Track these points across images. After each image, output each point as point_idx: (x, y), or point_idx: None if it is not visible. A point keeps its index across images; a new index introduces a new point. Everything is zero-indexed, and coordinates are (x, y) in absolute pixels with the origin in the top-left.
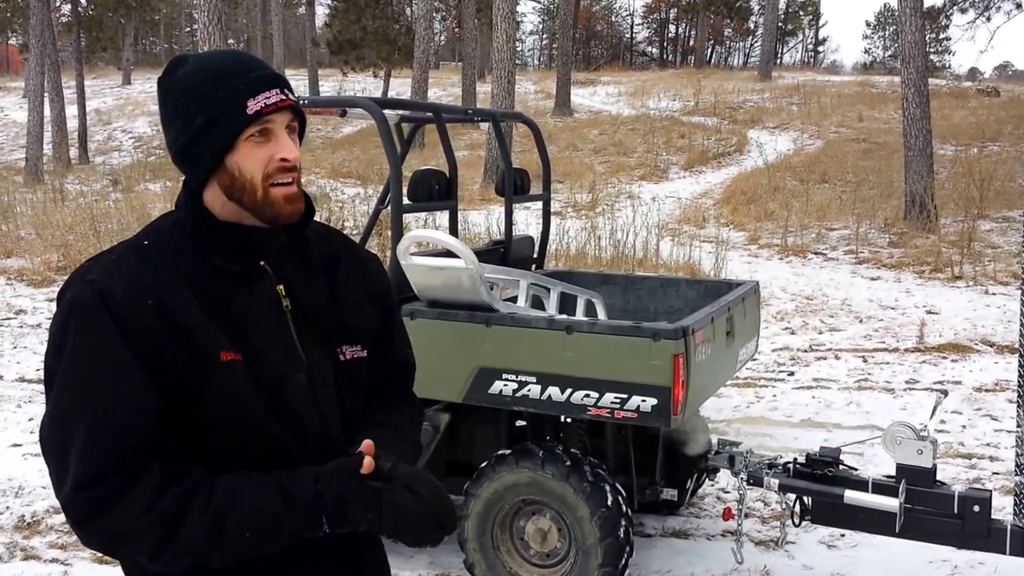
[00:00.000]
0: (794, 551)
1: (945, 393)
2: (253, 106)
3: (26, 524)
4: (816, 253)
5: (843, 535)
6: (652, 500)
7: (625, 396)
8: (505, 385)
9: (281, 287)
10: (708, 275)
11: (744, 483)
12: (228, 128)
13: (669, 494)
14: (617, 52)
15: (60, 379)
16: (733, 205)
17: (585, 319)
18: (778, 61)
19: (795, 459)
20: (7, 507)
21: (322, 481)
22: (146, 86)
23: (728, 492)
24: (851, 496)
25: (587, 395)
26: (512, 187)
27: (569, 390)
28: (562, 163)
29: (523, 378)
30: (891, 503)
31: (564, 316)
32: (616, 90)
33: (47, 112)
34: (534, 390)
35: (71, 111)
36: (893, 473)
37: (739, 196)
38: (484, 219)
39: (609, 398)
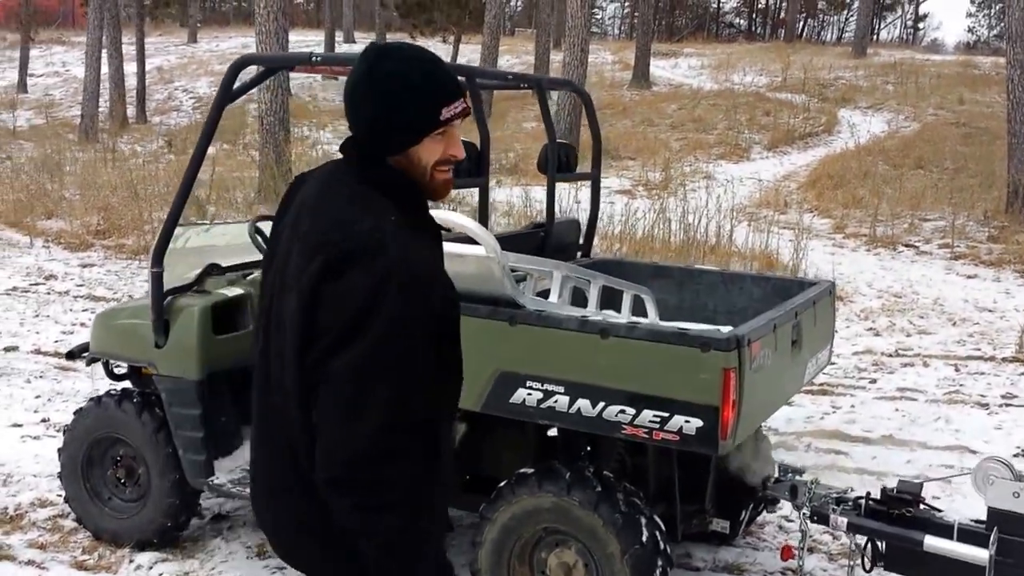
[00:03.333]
0: None
1: None
2: (446, 114)
3: (8, 518)
4: (907, 245)
5: None
6: (700, 531)
7: (666, 415)
8: (529, 394)
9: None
10: (786, 265)
11: (807, 519)
12: (426, 127)
13: (720, 525)
14: (703, 23)
15: (386, 334)
16: (819, 190)
17: (622, 322)
18: (874, 37)
19: (868, 494)
20: None
21: None
22: (211, 45)
23: (792, 522)
24: (932, 543)
25: (622, 411)
26: (555, 164)
27: (602, 403)
28: (635, 138)
29: (550, 387)
30: (979, 555)
31: (600, 316)
32: (699, 63)
33: (105, 69)
34: (562, 401)
35: (131, 68)
36: (984, 517)
37: (826, 180)
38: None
39: (647, 416)
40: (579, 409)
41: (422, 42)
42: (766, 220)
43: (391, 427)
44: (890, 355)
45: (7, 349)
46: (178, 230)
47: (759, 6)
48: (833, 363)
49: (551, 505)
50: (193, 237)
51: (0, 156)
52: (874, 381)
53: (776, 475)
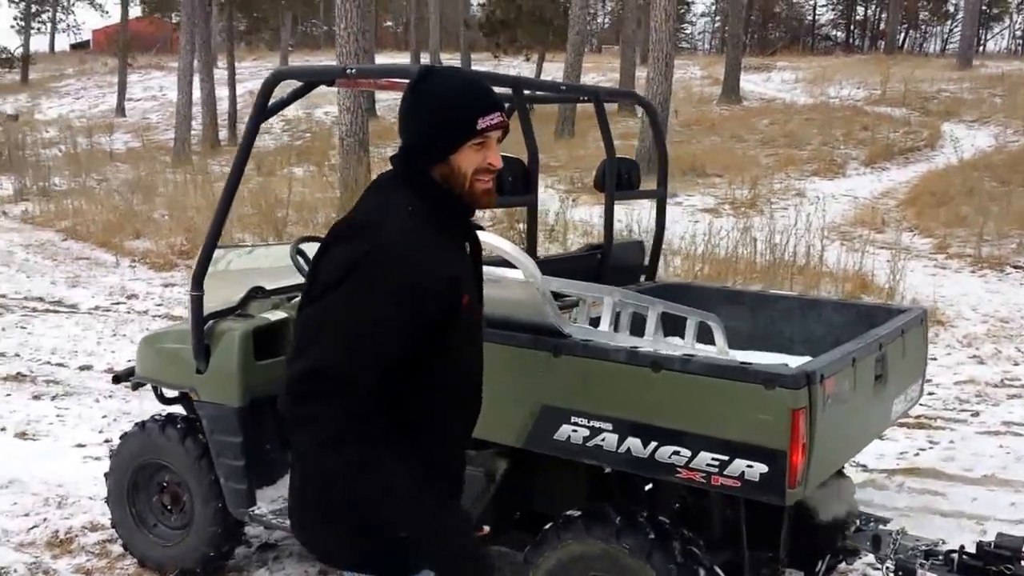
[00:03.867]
0: None
1: None
2: (482, 124)
3: (59, 541)
4: (1016, 267)
5: None
6: None
7: (726, 458)
8: (574, 430)
9: (468, 246)
10: (881, 288)
11: (891, 574)
12: (463, 136)
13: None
14: (797, 35)
15: (346, 297)
16: (919, 207)
17: (677, 354)
18: (980, 48)
19: (962, 547)
20: (44, 519)
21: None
22: None
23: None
24: None
25: (676, 452)
26: (614, 181)
27: (654, 444)
28: (723, 155)
29: (596, 423)
30: None
31: (655, 346)
32: (793, 76)
33: (197, 93)
34: (610, 440)
35: (224, 92)
36: None
37: (927, 197)
38: (626, 215)
39: (705, 459)
40: (629, 449)
41: (505, 60)
42: (861, 239)
43: (321, 371)
44: (995, 385)
45: (82, 368)
46: (219, 252)
47: (857, 18)
48: (931, 393)
49: (599, 552)
50: (235, 260)
51: (97, 178)
52: (976, 414)
53: (858, 523)
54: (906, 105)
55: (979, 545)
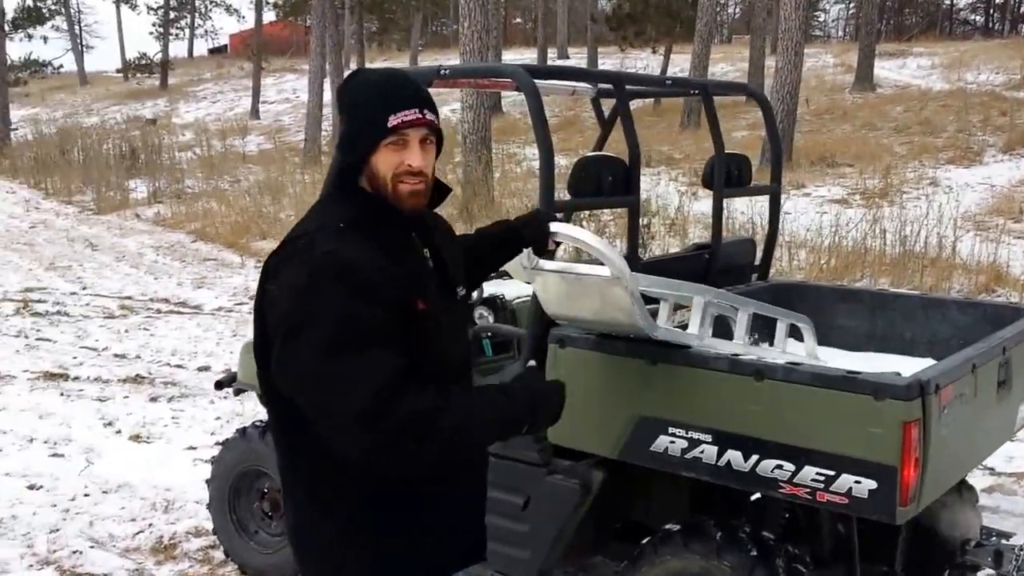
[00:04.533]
0: None
1: None
2: (393, 121)
3: (163, 546)
4: None
5: None
6: None
7: (832, 473)
8: (672, 442)
9: (427, 250)
10: (1017, 279)
11: None
12: (375, 135)
13: None
14: (934, 20)
15: (322, 329)
16: None
17: (781, 363)
18: None
19: None
20: (150, 524)
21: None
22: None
23: None
24: None
25: (779, 466)
26: (723, 177)
27: (755, 457)
28: (855, 143)
29: (695, 435)
30: None
31: (754, 355)
32: (929, 62)
33: (327, 95)
34: (709, 452)
35: None
36: None
37: None
38: (748, 208)
39: (810, 473)
40: (729, 462)
41: (634, 54)
42: (996, 229)
43: (367, 408)
44: None
45: (200, 369)
46: None
47: (997, 1)
48: None
49: (698, 569)
50: None
51: (229, 180)
52: None
53: (979, 536)
54: None
55: None
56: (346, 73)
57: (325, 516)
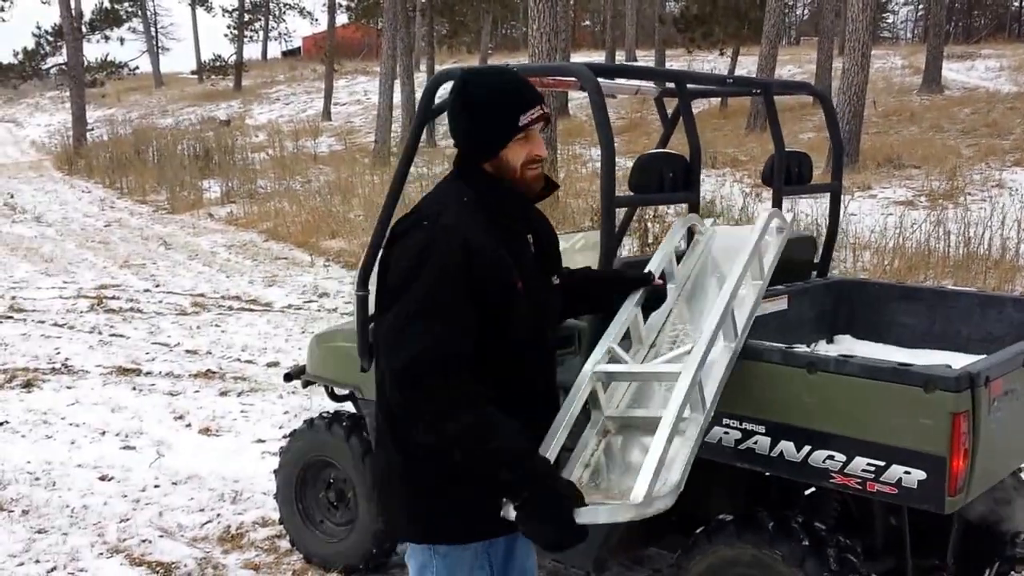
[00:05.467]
0: None
1: None
2: (524, 120)
3: (230, 536)
4: None
5: None
6: None
7: (882, 464)
8: (726, 432)
9: (530, 236)
10: None
11: None
12: (508, 133)
13: None
14: (1003, 22)
15: (423, 284)
16: None
17: (833, 355)
18: None
19: None
20: (218, 514)
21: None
22: None
23: None
24: None
25: (830, 457)
26: (782, 176)
27: (807, 448)
28: (922, 145)
29: (749, 426)
30: None
31: (807, 348)
32: (997, 64)
33: (397, 96)
34: (762, 443)
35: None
36: None
37: None
38: (812, 209)
39: (860, 464)
40: (781, 452)
41: (700, 56)
42: None
43: (423, 357)
44: None
45: (269, 365)
46: None
47: None
48: None
49: (751, 558)
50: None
51: (300, 180)
52: None
53: None
54: None
55: None
56: (417, 75)
57: (409, 466)
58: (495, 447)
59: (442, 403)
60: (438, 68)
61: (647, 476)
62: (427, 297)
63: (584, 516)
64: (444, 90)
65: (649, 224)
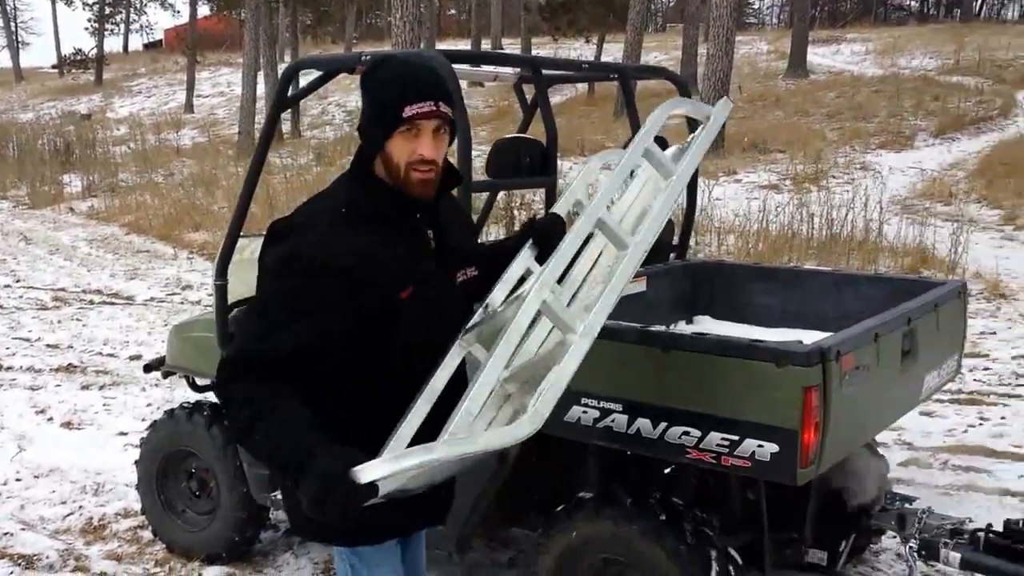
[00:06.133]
0: None
1: None
2: (407, 112)
3: (92, 527)
4: None
5: None
6: (794, 562)
7: (736, 438)
8: (584, 412)
9: (431, 232)
10: (942, 261)
11: (915, 554)
12: (390, 124)
13: (816, 557)
14: (868, 6)
15: (270, 292)
16: (989, 178)
17: (687, 334)
18: None
19: (989, 526)
20: (80, 506)
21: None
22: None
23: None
24: None
25: (686, 432)
26: None
27: (664, 424)
28: (786, 130)
29: (606, 404)
30: None
31: (664, 328)
32: (863, 48)
33: (261, 88)
34: (620, 421)
35: None
36: None
37: (997, 168)
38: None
39: (715, 439)
40: (639, 430)
41: (567, 44)
42: (924, 212)
43: (239, 358)
44: None
45: (131, 358)
46: (244, 241)
47: None
48: (987, 368)
49: (610, 535)
50: (259, 248)
51: (163, 173)
52: None
53: (885, 502)
54: (980, 74)
55: (1007, 523)
56: (280, 66)
57: None
58: (263, 440)
59: (234, 396)
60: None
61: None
62: (273, 299)
63: (367, 472)
64: (304, 79)
65: (516, 212)
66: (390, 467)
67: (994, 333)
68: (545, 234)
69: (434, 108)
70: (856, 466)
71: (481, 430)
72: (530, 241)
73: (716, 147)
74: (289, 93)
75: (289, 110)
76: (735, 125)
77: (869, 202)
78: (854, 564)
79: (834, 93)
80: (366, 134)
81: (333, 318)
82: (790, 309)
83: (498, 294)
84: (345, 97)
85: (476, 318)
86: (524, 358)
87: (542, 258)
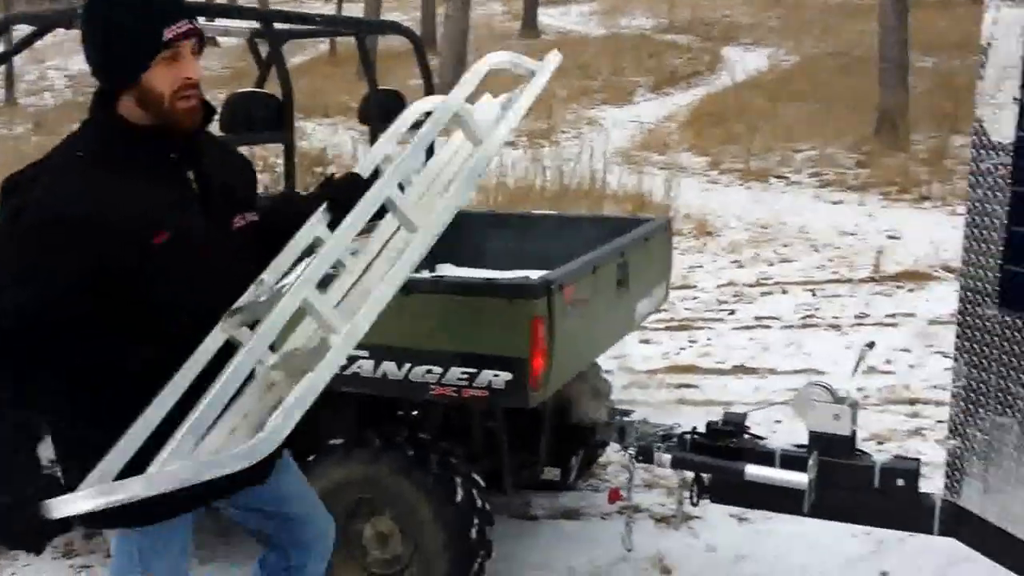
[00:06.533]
0: (699, 528)
1: (871, 345)
2: (169, 34)
3: None
4: (779, 177)
5: None
6: (533, 481)
7: (474, 371)
8: None
9: (191, 174)
10: (659, 204)
11: (633, 459)
12: (150, 50)
13: (551, 474)
14: None
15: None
16: (697, 128)
17: (426, 277)
18: None
19: (694, 428)
20: None
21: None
22: None
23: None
24: (753, 472)
25: (429, 371)
26: (377, 114)
27: (408, 365)
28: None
29: (353, 352)
30: (799, 479)
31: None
32: (589, 9)
33: None
34: (366, 366)
35: None
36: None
37: (705, 118)
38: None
39: (455, 374)
40: (385, 373)
41: (307, 3)
42: (642, 162)
43: None
44: (751, 285)
45: None
46: None
47: None
48: (695, 298)
49: (362, 477)
50: None
51: None
52: (732, 312)
53: (607, 417)
54: (691, 32)
55: (708, 425)
56: None
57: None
58: None
59: None
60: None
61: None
62: (2, 259)
63: (61, 508)
64: (16, 34)
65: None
66: (92, 503)
67: (701, 267)
68: (340, 198)
69: (191, 25)
70: (582, 389)
71: (219, 440)
72: (324, 205)
73: None
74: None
75: (1, 77)
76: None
77: (595, 154)
78: (585, 478)
79: (563, 53)
80: (115, 67)
81: (71, 274)
82: (524, 251)
83: (276, 269)
84: (66, 61)
85: (245, 298)
86: (295, 343)
87: (335, 225)
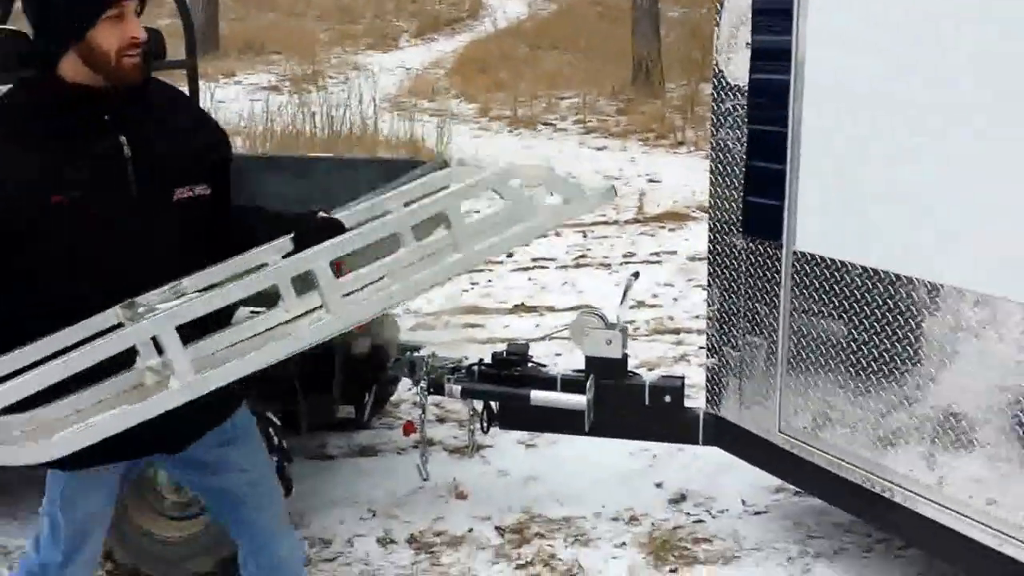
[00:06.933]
0: (490, 455)
1: (636, 275)
2: None
3: None
4: (546, 124)
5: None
6: (328, 421)
7: None
8: None
9: (123, 138)
10: (432, 150)
11: (425, 392)
12: (96, 9)
13: (346, 412)
14: None
15: None
16: (464, 75)
17: None
18: None
19: (481, 360)
20: None
21: None
22: None
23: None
24: (538, 396)
25: None
26: None
27: None
28: (281, 32)
29: None
30: (579, 400)
31: None
32: None
33: None
34: None
35: None
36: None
37: (471, 65)
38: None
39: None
40: None
41: None
42: (412, 108)
43: None
44: None
45: None
46: None
47: None
48: None
49: None
50: None
51: None
52: (511, 255)
53: (397, 355)
54: None
55: (493, 355)
56: None
57: None
58: None
59: None
60: None
61: None
62: None
63: None
64: None
65: None
66: None
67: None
68: (307, 239)
69: None
70: (372, 330)
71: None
72: (292, 234)
73: (212, 49)
74: None
75: None
76: (229, 27)
77: (364, 100)
78: (379, 416)
79: None
80: (58, 27)
81: None
82: (301, 195)
83: (206, 277)
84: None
85: (154, 295)
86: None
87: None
